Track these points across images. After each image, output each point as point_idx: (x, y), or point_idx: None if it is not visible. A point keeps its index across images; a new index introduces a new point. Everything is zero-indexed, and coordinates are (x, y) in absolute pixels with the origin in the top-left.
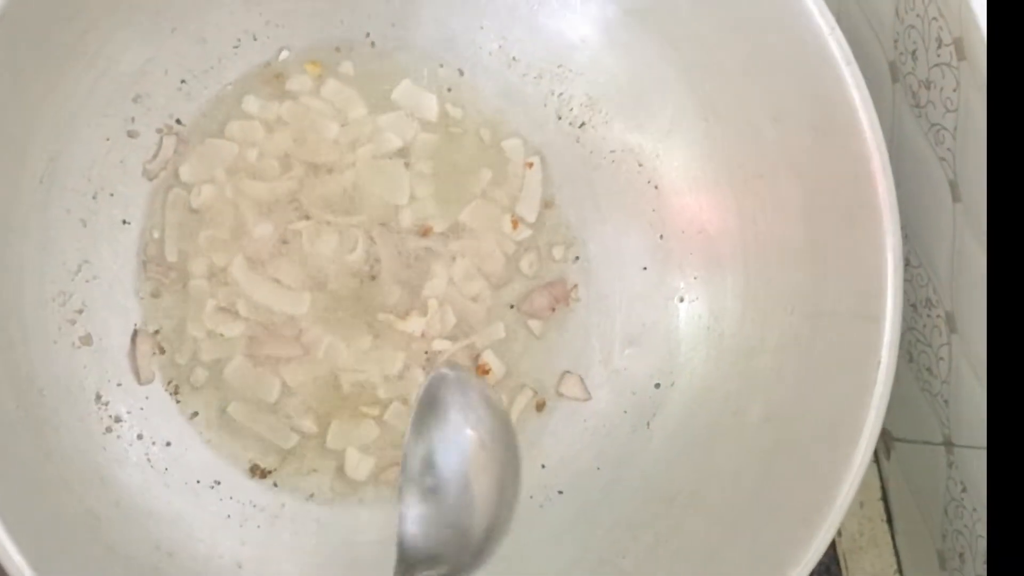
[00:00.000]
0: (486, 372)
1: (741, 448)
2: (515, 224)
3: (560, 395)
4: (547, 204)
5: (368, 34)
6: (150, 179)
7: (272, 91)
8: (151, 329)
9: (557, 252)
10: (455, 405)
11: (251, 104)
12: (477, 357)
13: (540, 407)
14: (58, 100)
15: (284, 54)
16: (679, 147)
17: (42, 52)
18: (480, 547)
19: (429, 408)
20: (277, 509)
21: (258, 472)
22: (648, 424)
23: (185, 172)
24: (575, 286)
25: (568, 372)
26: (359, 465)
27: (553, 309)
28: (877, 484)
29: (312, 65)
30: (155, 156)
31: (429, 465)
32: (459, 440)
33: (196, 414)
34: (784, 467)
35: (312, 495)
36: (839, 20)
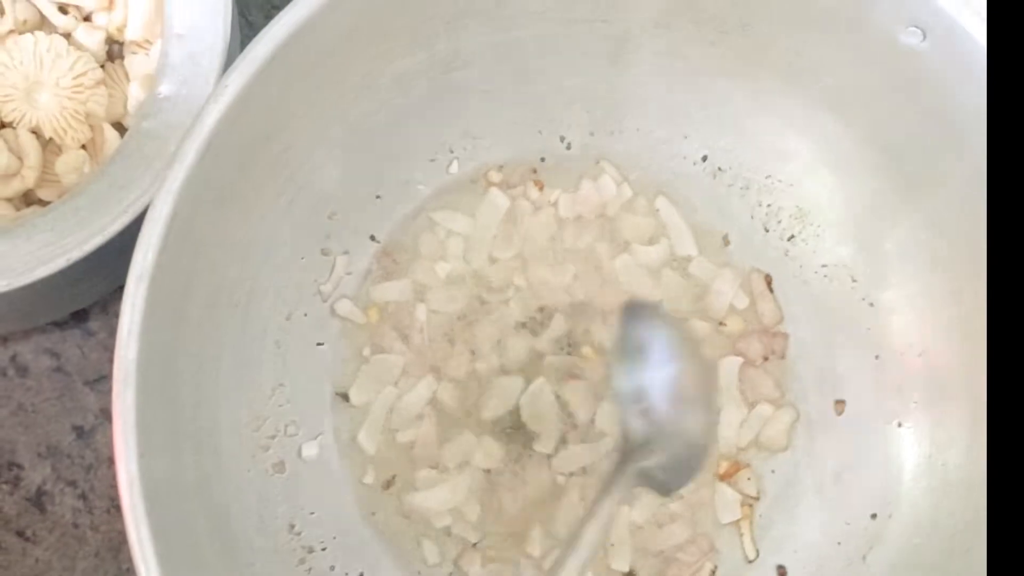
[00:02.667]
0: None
1: None
2: None
3: None
4: None
5: (569, 145)
6: (324, 300)
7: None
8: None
9: None
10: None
11: (449, 220)
12: None
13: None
14: (255, 222)
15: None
16: (897, 263)
17: (242, 175)
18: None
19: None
20: None
21: None
22: (864, 558)
23: (379, 292)
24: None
25: None
26: None
27: None
28: None
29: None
30: (330, 275)
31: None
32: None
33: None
34: None
35: None
36: None
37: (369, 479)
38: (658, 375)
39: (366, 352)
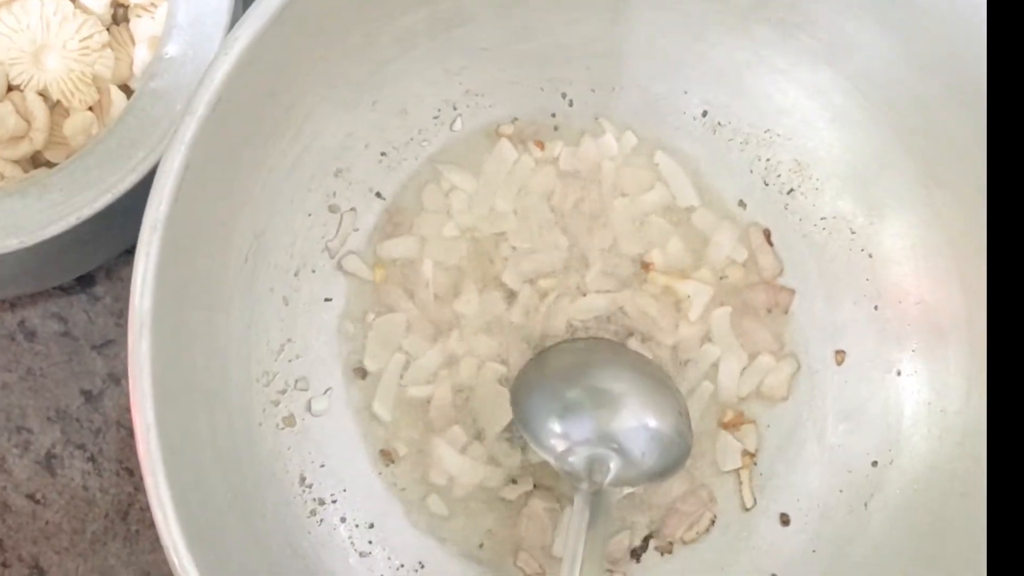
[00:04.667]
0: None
1: (972, 536)
2: None
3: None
4: None
5: (571, 102)
6: (331, 256)
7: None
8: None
9: None
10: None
11: (453, 175)
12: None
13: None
14: (263, 177)
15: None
16: (895, 214)
17: (251, 130)
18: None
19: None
20: None
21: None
22: (866, 505)
23: (391, 248)
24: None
25: None
26: None
27: None
28: None
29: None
30: (337, 232)
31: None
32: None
33: (400, 494)
34: None
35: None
36: None
37: (381, 443)
38: (621, 416)
39: (373, 312)
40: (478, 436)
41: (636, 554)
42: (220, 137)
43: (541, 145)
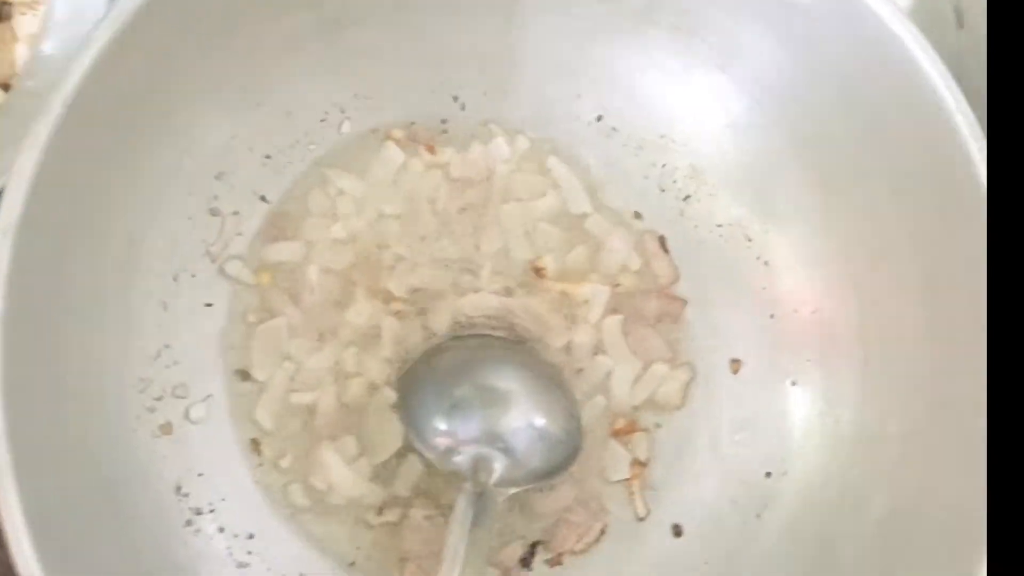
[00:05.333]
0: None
1: (862, 544)
2: None
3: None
4: None
5: (463, 105)
6: (212, 260)
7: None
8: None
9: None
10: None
11: (340, 178)
12: None
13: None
14: (140, 180)
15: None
16: (791, 221)
17: (121, 132)
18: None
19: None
20: None
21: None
22: (759, 515)
23: (273, 252)
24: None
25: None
26: None
27: None
28: None
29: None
30: (219, 236)
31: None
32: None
33: (281, 504)
34: (910, 567)
35: None
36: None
37: (262, 451)
38: (509, 415)
39: (256, 316)
40: (364, 453)
41: (525, 562)
42: (83, 138)
43: (432, 149)
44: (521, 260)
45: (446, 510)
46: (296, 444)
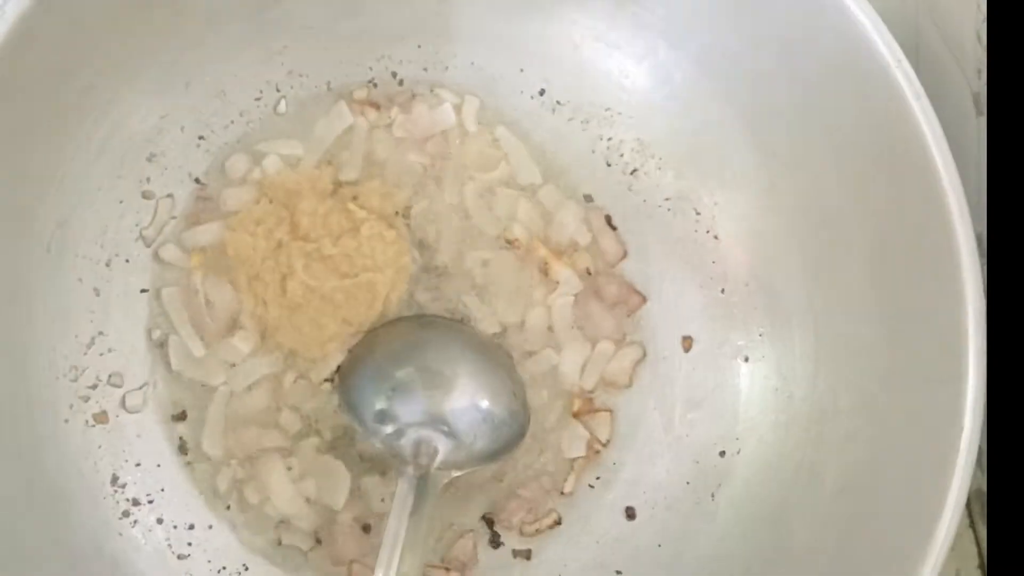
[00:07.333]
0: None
1: (816, 521)
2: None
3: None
4: None
5: (401, 81)
6: (147, 245)
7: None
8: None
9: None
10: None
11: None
12: None
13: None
14: (64, 162)
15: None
16: (739, 194)
17: (40, 113)
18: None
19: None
20: None
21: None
22: (713, 496)
23: (203, 234)
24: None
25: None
26: None
27: None
28: (974, 551)
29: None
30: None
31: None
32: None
33: (220, 494)
34: (863, 541)
35: None
36: (916, 48)
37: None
38: (452, 397)
39: (191, 300)
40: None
41: (494, 541)
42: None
43: (377, 106)
44: (491, 232)
45: (381, 519)
46: (238, 436)
